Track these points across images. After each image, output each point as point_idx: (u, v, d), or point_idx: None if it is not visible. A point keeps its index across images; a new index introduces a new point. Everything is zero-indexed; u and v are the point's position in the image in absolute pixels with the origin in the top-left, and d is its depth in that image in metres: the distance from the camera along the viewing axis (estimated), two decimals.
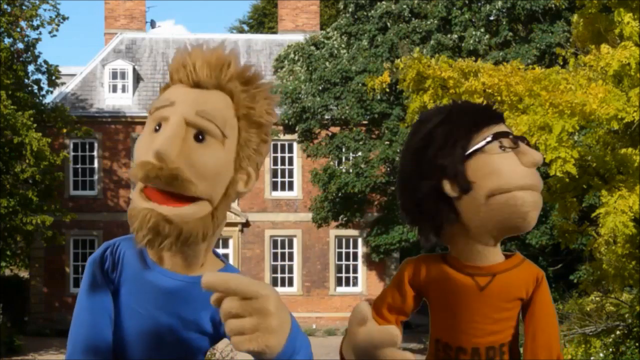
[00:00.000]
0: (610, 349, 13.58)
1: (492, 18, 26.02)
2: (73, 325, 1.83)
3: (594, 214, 11.91)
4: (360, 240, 30.65)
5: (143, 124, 2.51)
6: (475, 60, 13.41)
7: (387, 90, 21.71)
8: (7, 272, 33.46)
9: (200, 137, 1.66)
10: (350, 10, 26.83)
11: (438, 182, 1.98)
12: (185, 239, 1.66)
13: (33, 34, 36.92)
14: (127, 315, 1.81)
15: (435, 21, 25.49)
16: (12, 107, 22.78)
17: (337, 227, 27.73)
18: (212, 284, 1.43)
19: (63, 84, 29.72)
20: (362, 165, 25.06)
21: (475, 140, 1.97)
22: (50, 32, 25.42)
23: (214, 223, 1.71)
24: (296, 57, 27.05)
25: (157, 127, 1.68)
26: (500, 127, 2.00)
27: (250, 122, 1.74)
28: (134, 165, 1.67)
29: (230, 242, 30.73)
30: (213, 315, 1.73)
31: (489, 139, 1.97)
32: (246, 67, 1.76)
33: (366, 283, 30.83)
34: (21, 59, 25.27)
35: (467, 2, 25.87)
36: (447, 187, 1.98)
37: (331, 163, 26.02)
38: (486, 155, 1.96)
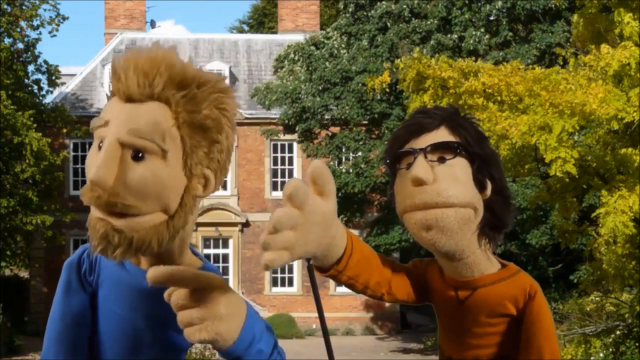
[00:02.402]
0: (610, 349, 13.56)
1: (492, 18, 26.03)
2: (46, 329, 1.87)
3: (594, 214, 11.91)
4: None
5: None
6: (475, 60, 13.42)
7: (387, 90, 21.69)
8: (7, 272, 33.44)
9: (139, 154, 1.60)
10: (350, 10, 26.83)
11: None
12: (137, 248, 1.63)
13: (33, 34, 36.94)
14: (106, 317, 1.81)
15: (435, 21, 25.49)
16: (12, 107, 22.77)
17: None
18: (156, 277, 1.44)
19: (63, 84, 29.71)
20: (362, 165, 25.06)
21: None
22: (50, 32, 25.41)
23: (170, 230, 1.67)
24: (296, 57, 27.04)
25: (101, 145, 1.64)
26: (418, 142, 1.86)
27: (193, 127, 1.65)
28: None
29: (230, 242, 30.71)
30: None
31: (387, 159, 1.93)
32: (183, 67, 1.66)
33: None
34: (21, 59, 25.26)
35: (467, 2, 25.87)
36: None
37: (331, 163, 26.00)
38: (399, 174, 1.90)
